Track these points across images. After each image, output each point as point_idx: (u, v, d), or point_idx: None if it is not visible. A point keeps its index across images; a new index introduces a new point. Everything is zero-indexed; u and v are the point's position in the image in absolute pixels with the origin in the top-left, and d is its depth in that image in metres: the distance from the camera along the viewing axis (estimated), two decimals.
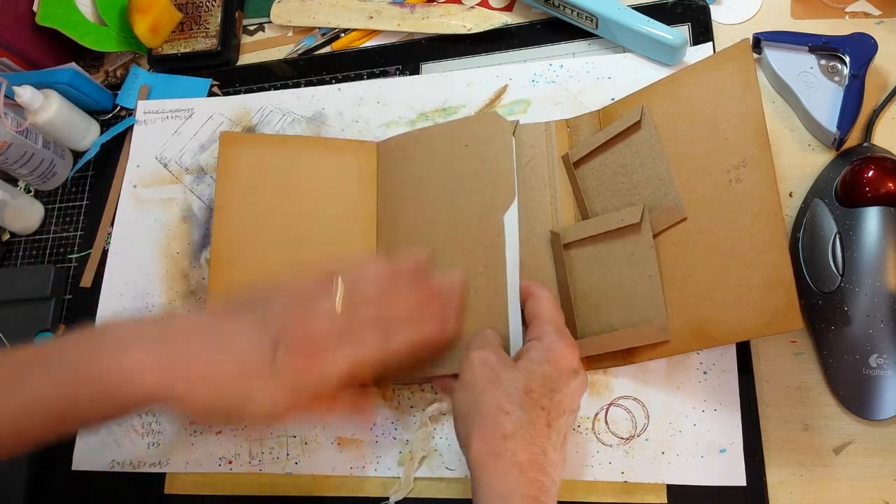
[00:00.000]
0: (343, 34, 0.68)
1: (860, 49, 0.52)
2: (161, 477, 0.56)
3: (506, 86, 0.61)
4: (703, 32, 0.59)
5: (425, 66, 0.64)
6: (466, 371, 0.42)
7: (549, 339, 0.42)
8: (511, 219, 0.48)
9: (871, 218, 0.47)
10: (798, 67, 0.54)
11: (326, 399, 0.43)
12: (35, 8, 0.68)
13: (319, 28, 0.69)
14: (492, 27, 0.63)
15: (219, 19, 0.70)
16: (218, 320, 0.43)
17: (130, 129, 0.68)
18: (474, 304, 0.47)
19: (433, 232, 0.52)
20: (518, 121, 0.56)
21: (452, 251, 0.50)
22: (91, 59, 0.74)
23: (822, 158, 0.54)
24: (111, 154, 0.68)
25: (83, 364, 0.38)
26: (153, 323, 0.43)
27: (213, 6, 0.70)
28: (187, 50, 0.70)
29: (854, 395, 0.47)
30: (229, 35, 0.70)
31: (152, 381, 0.38)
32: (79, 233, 0.67)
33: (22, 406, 0.38)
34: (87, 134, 0.69)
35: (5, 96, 0.62)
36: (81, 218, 0.67)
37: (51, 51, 0.71)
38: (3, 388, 0.38)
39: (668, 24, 0.56)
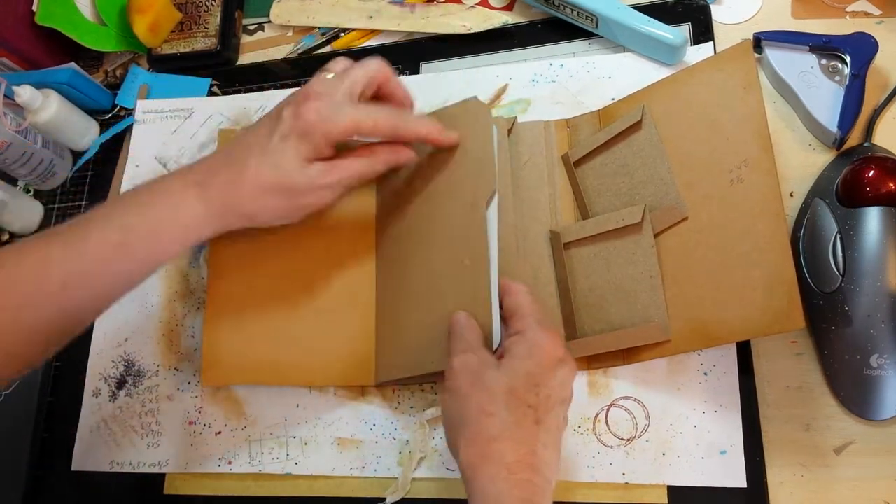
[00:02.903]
0: (343, 34, 0.68)
1: (861, 49, 0.52)
2: (161, 477, 0.56)
3: (506, 85, 0.60)
4: (703, 32, 0.59)
5: (425, 66, 0.64)
6: (450, 377, 0.42)
7: (531, 332, 0.42)
8: (492, 211, 0.47)
9: (872, 218, 0.46)
10: (799, 67, 0.54)
11: (361, 151, 0.47)
12: (34, 7, 0.68)
13: (319, 28, 0.69)
14: (492, 27, 0.63)
15: (218, 19, 0.70)
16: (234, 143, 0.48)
17: (130, 128, 0.68)
18: (460, 295, 0.47)
19: (425, 225, 0.51)
20: (516, 117, 0.56)
21: (441, 243, 0.49)
22: (90, 59, 0.73)
23: (822, 158, 0.53)
24: (110, 154, 0.68)
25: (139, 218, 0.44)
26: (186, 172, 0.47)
27: (213, 6, 0.70)
28: (187, 50, 0.69)
29: (855, 395, 0.47)
30: (229, 35, 0.70)
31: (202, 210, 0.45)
32: None
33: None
34: (86, 133, 0.69)
35: (5, 96, 0.62)
36: None
37: (50, 50, 0.70)
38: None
39: (669, 24, 0.56)
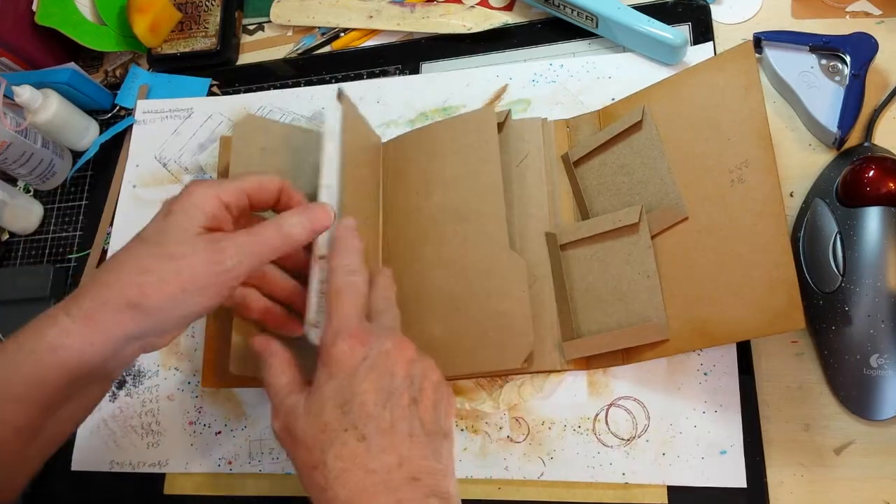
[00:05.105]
0: (343, 34, 0.68)
1: (861, 49, 0.52)
2: (161, 477, 0.56)
3: (506, 85, 0.60)
4: (703, 32, 0.59)
5: (425, 66, 0.64)
6: (275, 435, 0.39)
7: (322, 352, 0.38)
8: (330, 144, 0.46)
9: (872, 218, 0.47)
10: (799, 67, 0.54)
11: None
12: (34, 7, 0.68)
13: (319, 27, 0.69)
14: (492, 27, 0.63)
15: (218, 19, 0.70)
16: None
17: (130, 128, 0.68)
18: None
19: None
20: (509, 111, 0.55)
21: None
22: (90, 59, 0.73)
23: (822, 158, 0.53)
24: (110, 154, 0.68)
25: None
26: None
27: (213, 6, 0.70)
28: (187, 49, 0.69)
29: (855, 395, 0.47)
30: (229, 35, 0.70)
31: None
32: (78, 233, 0.67)
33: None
34: (86, 134, 0.69)
35: (4, 96, 0.62)
36: (81, 218, 0.67)
37: (50, 50, 0.70)
38: None
39: (669, 24, 0.56)
